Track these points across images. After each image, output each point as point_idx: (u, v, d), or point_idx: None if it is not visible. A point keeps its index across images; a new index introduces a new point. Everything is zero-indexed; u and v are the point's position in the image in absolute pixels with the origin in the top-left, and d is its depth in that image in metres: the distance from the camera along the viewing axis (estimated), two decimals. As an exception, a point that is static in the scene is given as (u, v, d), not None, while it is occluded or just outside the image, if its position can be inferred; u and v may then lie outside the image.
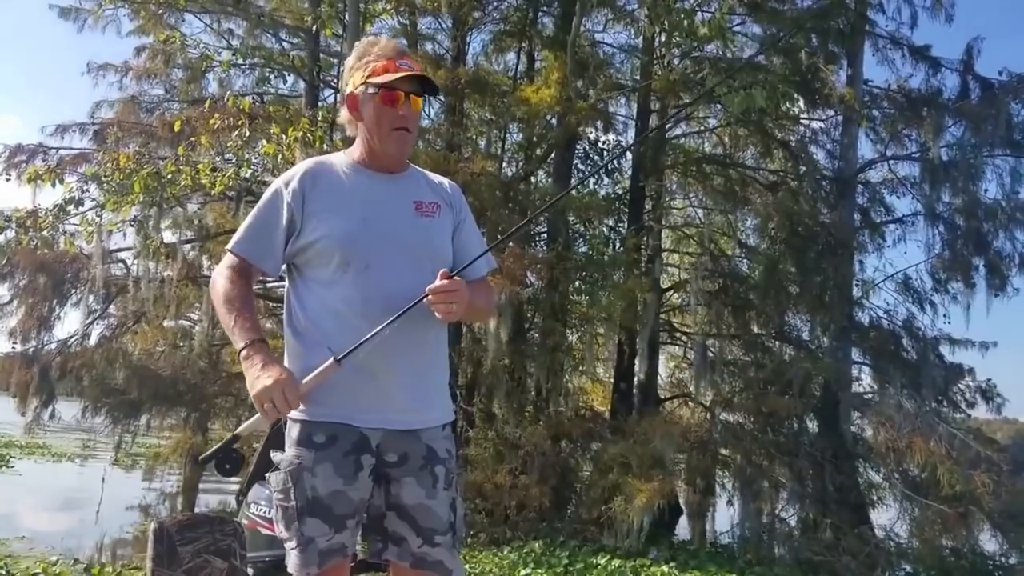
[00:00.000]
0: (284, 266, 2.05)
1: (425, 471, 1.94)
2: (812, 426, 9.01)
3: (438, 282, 1.85)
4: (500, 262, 7.04)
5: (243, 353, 1.83)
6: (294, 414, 1.90)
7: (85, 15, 10.98)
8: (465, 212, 2.15)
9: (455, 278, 1.87)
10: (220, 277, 1.95)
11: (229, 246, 2.00)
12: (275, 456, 1.91)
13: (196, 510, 9.78)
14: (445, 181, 2.17)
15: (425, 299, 1.84)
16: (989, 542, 7.92)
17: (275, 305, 10.31)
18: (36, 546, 6.62)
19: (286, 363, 1.93)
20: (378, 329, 1.80)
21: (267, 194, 2.00)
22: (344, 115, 2.06)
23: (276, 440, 2.02)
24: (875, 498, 8.53)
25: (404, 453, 1.94)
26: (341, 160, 2.05)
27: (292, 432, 1.91)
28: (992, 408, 9.40)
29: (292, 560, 1.86)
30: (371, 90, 1.95)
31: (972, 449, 7.67)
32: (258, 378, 1.76)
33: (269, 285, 9.30)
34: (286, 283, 2.07)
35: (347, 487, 1.86)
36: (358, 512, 1.90)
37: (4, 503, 9.45)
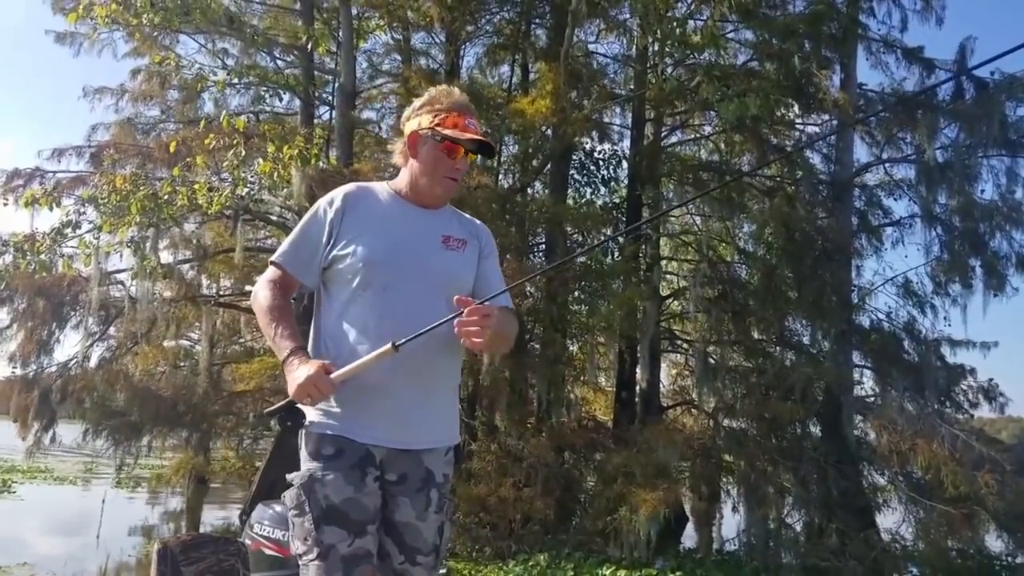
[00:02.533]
0: None
1: (421, 493, 2.00)
2: (815, 431, 9.01)
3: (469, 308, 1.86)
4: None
5: (285, 361, 1.94)
6: (307, 425, 1.97)
7: (81, 39, 11.05)
8: (491, 249, 2.23)
9: (485, 304, 1.89)
10: (262, 289, 2.06)
11: (273, 258, 2.10)
12: (291, 477, 1.95)
13: (200, 530, 9.72)
14: (477, 222, 2.27)
15: (455, 320, 1.86)
16: (995, 542, 7.90)
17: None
18: (39, 572, 6.57)
19: None
20: (437, 324, 1.84)
21: (311, 211, 2.10)
22: (399, 147, 2.16)
23: (278, 460, 2.03)
24: (880, 501, 8.52)
25: (404, 474, 1.99)
26: (382, 188, 2.17)
27: (307, 446, 1.97)
28: (995, 408, 9.37)
29: (312, 573, 1.86)
30: (437, 137, 2.06)
31: (975, 450, 7.66)
32: (295, 380, 1.88)
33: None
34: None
35: (358, 494, 1.90)
36: (376, 519, 1.94)
37: (6, 529, 9.39)
